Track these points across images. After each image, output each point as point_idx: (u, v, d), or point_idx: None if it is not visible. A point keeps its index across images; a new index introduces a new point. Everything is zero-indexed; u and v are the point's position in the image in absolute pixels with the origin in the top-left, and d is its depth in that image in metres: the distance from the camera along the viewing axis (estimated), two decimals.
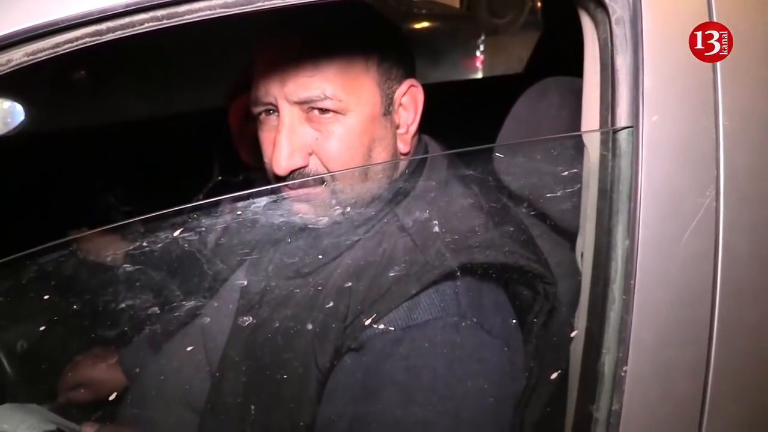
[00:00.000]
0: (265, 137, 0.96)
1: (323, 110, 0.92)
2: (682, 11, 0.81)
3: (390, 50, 0.97)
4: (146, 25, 0.71)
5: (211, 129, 1.70)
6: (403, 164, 1.00)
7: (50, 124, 2.44)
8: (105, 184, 1.96)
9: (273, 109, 0.94)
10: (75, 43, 0.70)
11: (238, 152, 1.62)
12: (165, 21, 0.71)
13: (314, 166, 0.94)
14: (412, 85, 0.99)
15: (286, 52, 0.93)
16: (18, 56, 0.69)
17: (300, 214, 0.93)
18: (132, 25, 0.71)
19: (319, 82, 0.91)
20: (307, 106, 0.92)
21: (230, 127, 1.63)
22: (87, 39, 0.70)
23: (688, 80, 0.81)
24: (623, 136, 0.81)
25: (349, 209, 0.94)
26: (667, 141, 0.80)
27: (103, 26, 0.70)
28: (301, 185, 0.93)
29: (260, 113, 0.96)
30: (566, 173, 0.92)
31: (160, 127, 2.25)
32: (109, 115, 2.47)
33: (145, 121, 2.37)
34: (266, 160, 0.96)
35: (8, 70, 0.69)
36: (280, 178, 0.93)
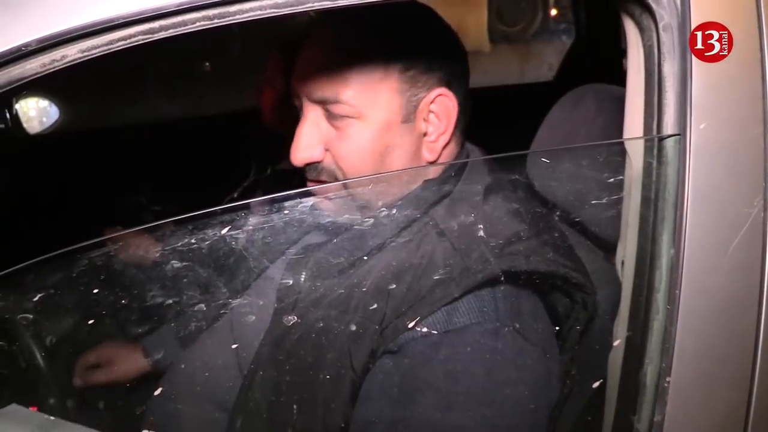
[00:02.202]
0: (295, 129, 1.00)
1: (339, 112, 0.94)
2: (732, 17, 0.80)
3: (420, 58, 0.96)
4: (198, 24, 0.72)
5: (246, 129, 1.72)
6: (437, 168, 1.00)
7: (85, 124, 2.48)
8: (136, 185, 1.99)
9: (300, 104, 0.98)
10: (128, 41, 0.71)
11: (272, 134, 1.65)
12: (216, 20, 0.72)
13: (328, 162, 0.97)
14: (440, 95, 0.97)
15: (312, 51, 0.96)
16: (72, 52, 0.70)
17: (324, 209, 0.95)
18: (184, 24, 0.71)
19: (335, 86, 0.93)
20: (324, 106, 0.95)
21: (262, 110, 1.67)
22: (140, 37, 0.70)
23: (738, 88, 0.79)
24: (670, 144, 0.80)
25: (373, 209, 0.95)
26: (715, 149, 0.79)
27: (156, 24, 0.71)
28: (318, 181, 0.97)
29: (294, 107, 1.01)
30: (607, 181, 0.91)
31: (194, 127, 2.27)
32: (142, 115, 2.50)
33: (179, 121, 2.39)
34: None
35: (62, 66, 0.70)
36: (297, 169, 0.97)
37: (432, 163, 1.00)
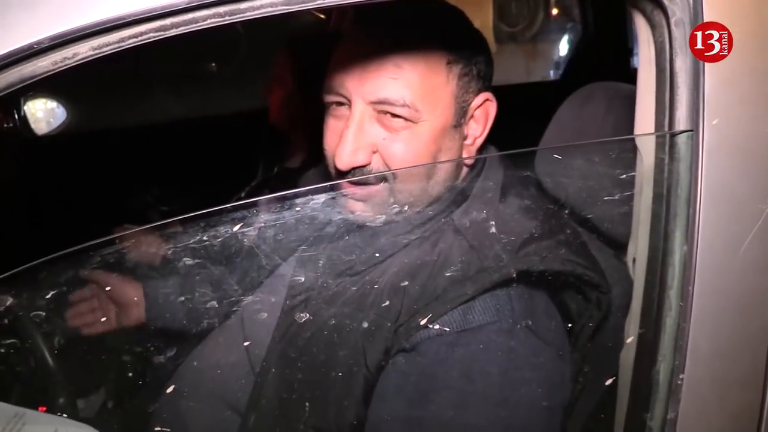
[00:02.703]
0: (332, 127, 0.95)
1: (395, 115, 0.90)
2: (744, 12, 0.80)
3: (472, 63, 0.95)
4: (208, 21, 0.71)
5: (253, 129, 1.72)
6: (465, 169, 1.00)
7: (92, 125, 2.48)
8: (143, 185, 1.99)
9: (345, 102, 0.93)
10: (139, 38, 0.70)
11: (279, 133, 1.65)
12: (227, 17, 0.72)
13: (376, 165, 0.93)
14: (487, 99, 0.97)
15: (370, 48, 0.91)
16: (84, 50, 0.70)
17: (356, 213, 0.92)
18: (195, 21, 0.71)
19: (400, 87, 0.90)
20: (381, 107, 0.90)
21: (270, 108, 1.66)
22: (151, 34, 0.70)
23: (751, 83, 0.79)
24: (682, 140, 0.80)
25: (406, 209, 0.94)
26: (728, 145, 0.78)
27: (167, 22, 0.70)
28: (360, 183, 0.92)
29: (331, 103, 0.95)
30: (619, 177, 0.90)
31: (201, 127, 2.27)
32: (149, 116, 2.51)
33: (186, 121, 2.40)
34: (328, 150, 0.95)
35: (74, 64, 0.70)
36: (339, 171, 0.92)
37: (468, 167, 1.00)
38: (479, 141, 1.00)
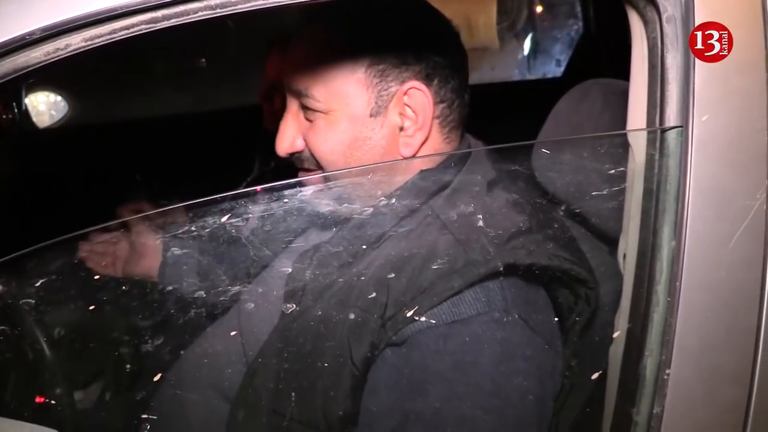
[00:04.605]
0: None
1: (307, 106, 0.97)
2: (736, 9, 0.80)
3: (392, 52, 0.94)
4: (200, 13, 0.72)
5: (250, 124, 1.72)
6: (436, 159, 0.99)
7: (92, 118, 2.49)
8: (143, 178, 2.00)
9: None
10: (130, 30, 0.71)
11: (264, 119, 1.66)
12: (218, 10, 0.72)
13: (307, 152, 1.00)
14: (413, 88, 0.95)
15: (294, 46, 1.00)
16: (76, 41, 0.71)
17: (314, 202, 0.96)
18: (186, 13, 0.72)
19: (305, 80, 0.96)
20: (298, 100, 0.98)
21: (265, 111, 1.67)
22: (143, 26, 0.71)
23: (741, 80, 0.79)
24: (672, 136, 0.80)
25: (358, 202, 0.95)
26: (717, 141, 0.79)
27: (159, 14, 0.71)
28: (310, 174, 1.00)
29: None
30: (610, 173, 0.91)
31: (197, 122, 2.28)
32: (148, 110, 2.52)
33: (184, 117, 2.40)
34: None
35: (66, 55, 0.71)
36: (283, 159, 1.01)
37: (425, 155, 0.99)
38: (421, 133, 0.97)
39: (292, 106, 1.00)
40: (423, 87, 0.95)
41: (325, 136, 0.97)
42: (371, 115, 0.96)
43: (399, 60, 0.95)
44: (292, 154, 1.01)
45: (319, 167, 1.00)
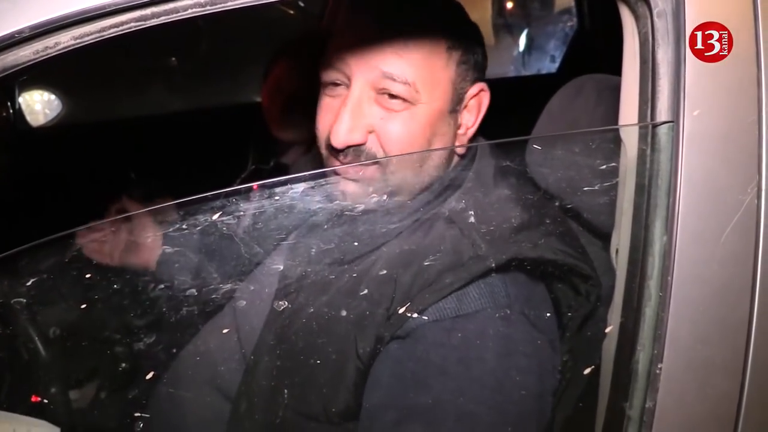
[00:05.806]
0: (328, 105, 0.94)
1: (394, 96, 0.90)
2: (727, 4, 0.80)
3: (470, 51, 0.97)
4: (190, 10, 0.72)
5: (245, 121, 1.72)
6: (456, 158, 1.01)
7: (86, 116, 2.49)
8: (137, 176, 2.00)
9: (344, 81, 0.92)
10: (120, 28, 0.71)
11: (269, 126, 1.64)
12: (209, 7, 0.72)
13: (372, 145, 0.92)
14: (482, 89, 0.99)
15: (374, 31, 0.91)
16: (65, 39, 0.70)
17: (348, 193, 0.91)
18: (176, 10, 0.72)
19: (404, 65, 0.90)
20: (382, 84, 0.90)
21: (262, 101, 1.65)
22: (132, 24, 0.71)
23: (732, 75, 0.79)
24: (663, 131, 0.80)
25: (397, 193, 0.94)
26: (708, 136, 0.79)
27: (148, 11, 0.71)
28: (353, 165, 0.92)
29: (329, 83, 0.94)
30: (602, 168, 0.91)
31: (192, 120, 2.27)
32: (141, 108, 2.51)
33: (177, 115, 2.40)
34: (322, 129, 0.94)
35: (55, 53, 0.71)
36: (334, 150, 0.91)
37: (459, 156, 1.00)
38: (471, 131, 1.00)
39: (361, 93, 0.90)
40: (486, 88, 0.98)
41: (408, 127, 0.91)
42: (450, 112, 0.96)
43: (475, 59, 0.97)
44: (349, 147, 0.92)
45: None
